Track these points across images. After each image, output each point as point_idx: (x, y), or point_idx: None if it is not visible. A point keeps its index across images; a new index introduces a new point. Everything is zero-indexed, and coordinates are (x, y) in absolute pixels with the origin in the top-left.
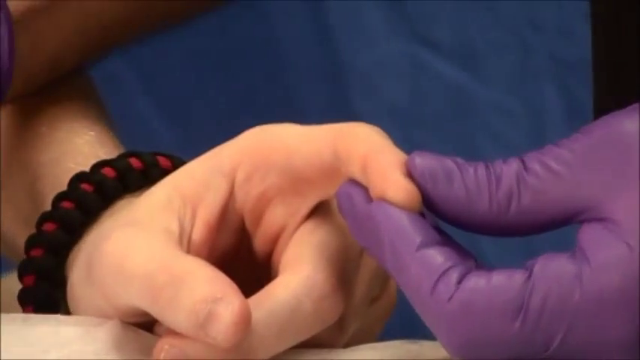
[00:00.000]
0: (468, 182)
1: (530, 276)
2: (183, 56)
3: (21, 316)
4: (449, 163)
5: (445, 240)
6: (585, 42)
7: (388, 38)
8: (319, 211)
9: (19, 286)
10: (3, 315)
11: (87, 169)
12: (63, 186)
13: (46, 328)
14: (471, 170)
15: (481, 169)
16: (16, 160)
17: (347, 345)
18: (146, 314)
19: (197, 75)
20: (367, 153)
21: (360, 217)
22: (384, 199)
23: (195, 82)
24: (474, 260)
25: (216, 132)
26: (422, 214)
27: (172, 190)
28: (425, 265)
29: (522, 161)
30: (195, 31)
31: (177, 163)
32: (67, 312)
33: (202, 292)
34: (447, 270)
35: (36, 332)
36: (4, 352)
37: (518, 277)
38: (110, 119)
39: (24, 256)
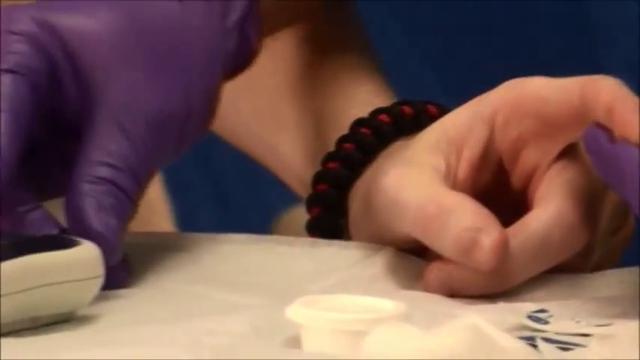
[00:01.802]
0: None
1: None
2: (446, 11)
3: (310, 240)
4: None
5: None
6: None
7: None
8: (567, 152)
9: (306, 216)
10: (296, 238)
11: (365, 115)
12: (345, 129)
13: (331, 251)
14: None
15: None
16: (306, 106)
17: (591, 271)
18: (417, 242)
19: (457, 30)
20: (611, 100)
21: (604, 155)
22: (626, 140)
23: (456, 36)
24: None
25: (476, 83)
26: None
27: (440, 133)
28: None
29: None
30: None
31: (443, 110)
32: (348, 239)
33: (467, 222)
34: None
35: (323, 254)
36: (297, 268)
37: None
38: (382, 70)
39: (311, 191)
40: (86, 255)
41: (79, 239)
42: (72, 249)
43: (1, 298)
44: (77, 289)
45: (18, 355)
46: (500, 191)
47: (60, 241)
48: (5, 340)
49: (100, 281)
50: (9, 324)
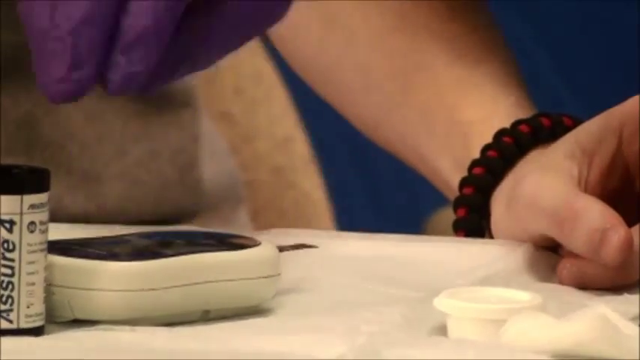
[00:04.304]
0: None
1: None
2: (580, 26)
3: (456, 238)
4: None
5: None
6: None
7: None
8: None
9: (453, 217)
10: (443, 237)
11: (507, 126)
12: (488, 139)
13: (475, 248)
14: None
15: None
16: (453, 118)
17: None
18: (552, 239)
19: (589, 44)
20: None
21: None
22: None
23: (588, 51)
24: None
25: (609, 97)
26: None
27: (574, 143)
28: None
29: None
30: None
31: (577, 122)
32: (490, 238)
33: (596, 223)
34: None
35: (468, 251)
36: (445, 264)
37: None
38: (524, 83)
39: (458, 194)
40: (266, 255)
41: (259, 240)
42: (251, 249)
43: (172, 289)
44: (258, 285)
45: (188, 343)
46: (626, 194)
47: (242, 241)
48: (171, 330)
49: (278, 279)
50: (182, 315)
